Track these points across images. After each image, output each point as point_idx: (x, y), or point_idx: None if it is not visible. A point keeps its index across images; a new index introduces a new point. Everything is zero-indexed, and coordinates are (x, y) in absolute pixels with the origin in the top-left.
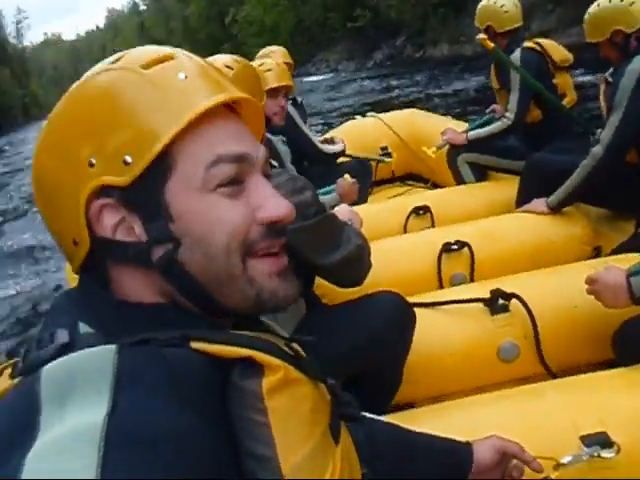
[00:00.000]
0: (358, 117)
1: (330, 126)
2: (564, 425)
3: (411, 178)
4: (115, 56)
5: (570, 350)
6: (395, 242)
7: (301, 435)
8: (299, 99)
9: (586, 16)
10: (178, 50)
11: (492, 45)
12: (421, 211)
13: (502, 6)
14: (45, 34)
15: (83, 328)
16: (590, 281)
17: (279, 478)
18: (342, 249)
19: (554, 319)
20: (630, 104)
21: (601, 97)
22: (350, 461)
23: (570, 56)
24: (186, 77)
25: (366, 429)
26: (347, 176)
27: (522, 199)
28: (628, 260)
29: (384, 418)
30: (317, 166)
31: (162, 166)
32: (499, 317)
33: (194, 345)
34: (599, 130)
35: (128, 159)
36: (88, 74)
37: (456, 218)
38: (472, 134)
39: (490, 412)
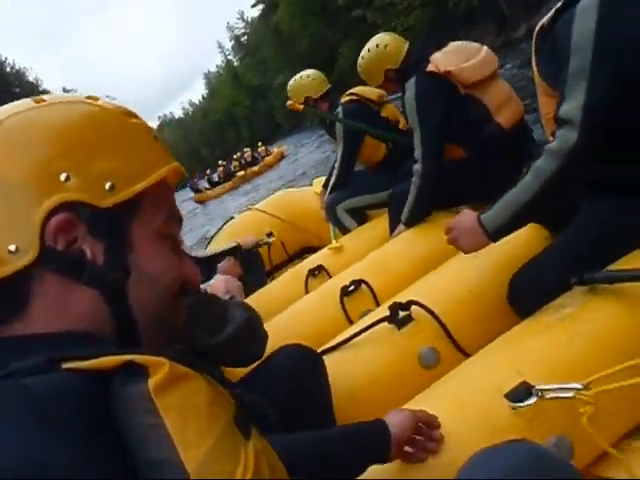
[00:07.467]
0: (235, 215)
1: None
2: (489, 390)
3: (307, 251)
4: (72, 96)
5: (482, 331)
6: (297, 305)
7: (202, 427)
8: None
9: (359, 69)
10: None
11: (301, 107)
12: (316, 271)
13: (308, 76)
14: (159, 117)
15: None
16: (448, 229)
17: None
18: (228, 327)
19: (456, 310)
20: (422, 121)
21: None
22: (274, 465)
23: (383, 92)
24: (155, 138)
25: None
26: (227, 258)
27: (394, 228)
28: None
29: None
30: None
31: (134, 202)
32: (406, 329)
33: (66, 365)
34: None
35: (111, 185)
36: (60, 100)
37: (350, 265)
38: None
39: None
